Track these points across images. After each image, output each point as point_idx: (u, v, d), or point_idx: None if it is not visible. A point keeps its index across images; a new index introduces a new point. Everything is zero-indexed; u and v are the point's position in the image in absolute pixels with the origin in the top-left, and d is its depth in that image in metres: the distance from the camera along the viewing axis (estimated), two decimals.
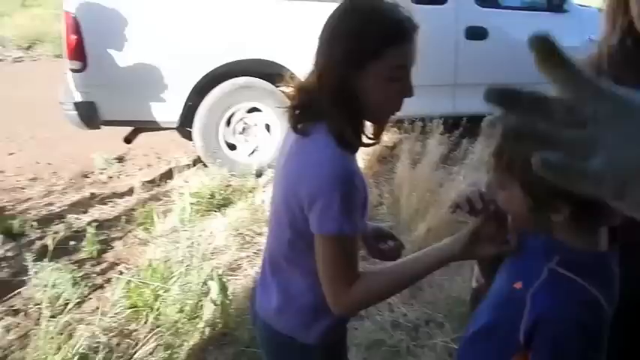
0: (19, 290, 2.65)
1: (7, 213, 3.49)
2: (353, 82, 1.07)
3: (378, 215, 3.46)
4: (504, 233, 1.04)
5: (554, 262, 0.92)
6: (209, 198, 3.51)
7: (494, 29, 4.36)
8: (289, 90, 1.20)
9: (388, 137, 4.31)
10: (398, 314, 2.62)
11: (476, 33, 4.29)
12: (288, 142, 1.22)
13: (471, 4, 4.32)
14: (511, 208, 0.96)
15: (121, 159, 4.60)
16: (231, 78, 3.82)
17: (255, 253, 3.07)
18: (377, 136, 1.20)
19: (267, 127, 4.03)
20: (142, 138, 4.45)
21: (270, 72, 3.58)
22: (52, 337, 2.32)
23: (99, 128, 3.80)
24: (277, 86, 3.87)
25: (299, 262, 1.22)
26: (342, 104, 1.08)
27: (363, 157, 4.08)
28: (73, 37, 3.43)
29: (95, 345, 2.34)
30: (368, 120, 1.16)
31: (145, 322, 2.52)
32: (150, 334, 2.42)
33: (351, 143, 1.11)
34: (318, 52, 1.11)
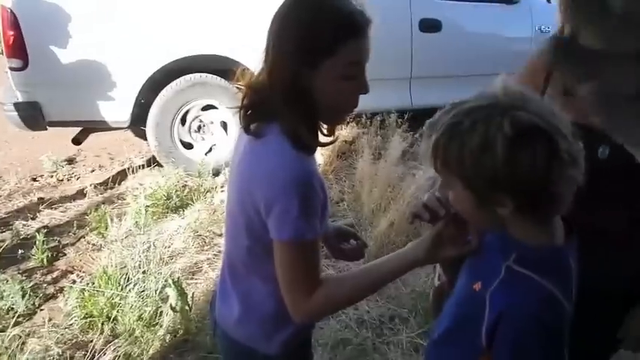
0: None
1: None
2: (305, 79, 1.03)
3: (340, 211, 3.44)
4: (466, 234, 1.04)
5: (511, 260, 0.91)
6: (165, 199, 3.40)
7: (448, 21, 4.38)
8: (241, 87, 1.14)
9: (347, 132, 4.29)
10: (362, 311, 2.61)
11: (430, 25, 4.30)
12: (241, 142, 1.16)
13: None
14: (461, 207, 0.95)
15: (71, 161, 4.43)
16: (184, 74, 3.71)
17: (215, 255, 2.99)
18: (331, 133, 1.16)
19: (224, 124, 3.93)
20: (94, 138, 4.29)
21: (225, 68, 3.50)
22: (4, 354, 2.20)
23: (45, 129, 3.62)
24: (233, 83, 3.79)
25: (257, 268, 1.16)
26: (294, 103, 1.03)
27: (322, 153, 4.05)
28: (11, 32, 3.24)
29: (48, 359, 2.24)
30: (322, 120, 1.12)
31: (102, 332, 2.42)
32: (107, 345, 2.33)
33: (306, 144, 1.06)
34: (268, 47, 1.06)
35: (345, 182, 3.76)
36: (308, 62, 1.01)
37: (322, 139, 1.13)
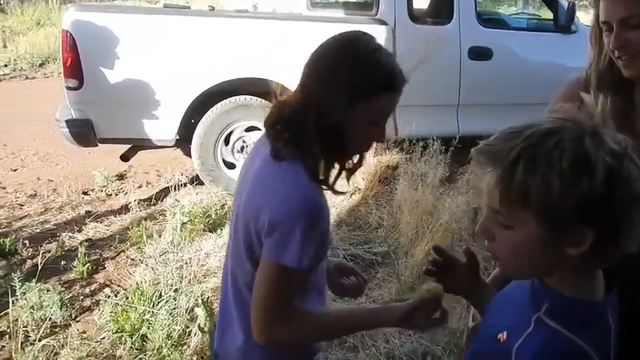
0: (6, 311, 2.59)
1: (1, 231, 3.46)
2: (339, 114, 1.07)
3: (377, 238, 3.38)
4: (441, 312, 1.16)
5: (543, 311, 0.81)
6: (203, 217, 3.45)
7: (500, 49, 4.30)
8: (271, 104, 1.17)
9: (390, 157, 4.23)
10: (394, 346, 2.51)
11: (480, 53, 4.23)
12: (257, 158, 1.17)
13: (475, 24, 4.26)
14: (516, 251, 0.81)
15: (122, 176, 4.58)
16: (229, 97, 3.79)
17: None
18: (348, 179, 1.19)
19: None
20: (146, 155, 4.44)
21: (269, 91, 3.53)
22: None
23: (95, 145, 3.79)
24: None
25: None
26: (322, 132, 1.07)
27: (363, 178, 4.01)
28: (70, 54, 3.43)
29: None
30: (340, 154, 1.15)
31: (131, 348, 2.45)
32: None
33: (321, 177, 1.11)
34: (311, 74, 1.11)
35: (385, 208, 3.69)
36: (348, 99, 1.06)
37: (332, 183, 1.15)
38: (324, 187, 1.12)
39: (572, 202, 0.72)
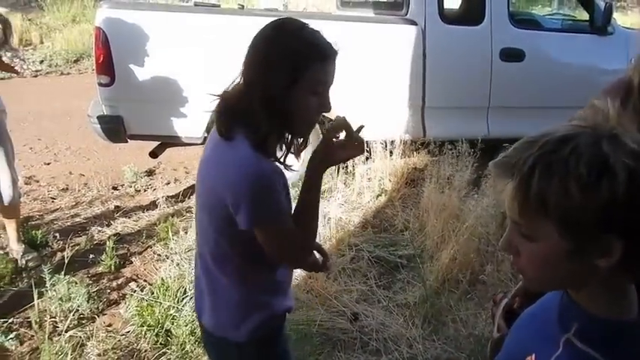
0: (36, 302, 2.65)
1: (33, 223, 3.54)
2: (281, 93, 1.18)
3: (402, 241, 3.35)
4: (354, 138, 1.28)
5: (572, 333, 0.77)
6: None
7: (532, 51, 4.20)
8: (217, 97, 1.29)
9: (417, 159, 4.18)
10: (416, 350, 2.49)
11: (512, 54, 4.15)
12: (211, 142, 1.30)
13: (507, 25, 4.18)
14: (541, 264, 0.77)
15: (150, 172, 4.64)
16: None
17: None
18: (297, 154, 1.33)
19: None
20: (174, 152, 4.49)
21: None
22: (61, 353, 2.31)
23: (125, 142, 3.84)
24: None
25: (222, 260, 1.30)
26: (271, 114, 1.19)
27: (390, 180, 3.98)
28: (102, 51, 3.48)
29: None
30: (291, 132, 1.28)
31: (155, 342, 2.48)
32: (159, 356, 2.38)
33: (270, 148, 1.23)
34: (249, 64, 1.22)
35: (412, 210, 3.65)
36: (284, 77, 1.17)
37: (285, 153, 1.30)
38: (275, 161, 1.24)
39: (593, 209, 0.68)
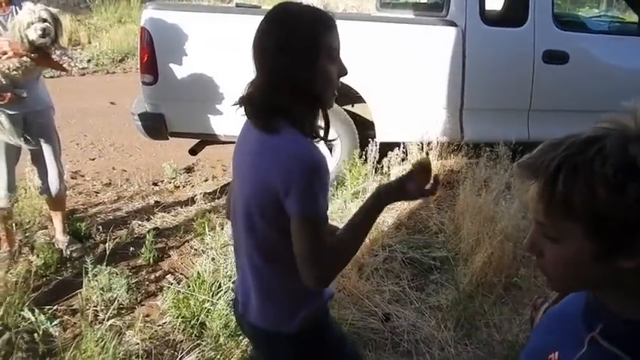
0: (79, 291, 2.76)
1: (78, 215, 3.68)
2: (309, 73, 1.22)
3: (437, 243, 3.32)
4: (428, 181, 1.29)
5: (597, 331, 0.76)
6: None
7: (577, 53, 4.09)
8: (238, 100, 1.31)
9: (454, 162, 4.14)
10: (448, 354, 2.47)
11: (555, 57, 4.05)
12: (249, 138, 1.30)
13: (551, 26, 4.08)
14: (566, 265, 0.77)
15: (189, 169, 4.75)
16: None
17: None
18: (326, 130, 1.33)
19: (330, 146, 3.99)
20: (213, 150, 4.59)
21: None
22: (101, 340, 2.39)
23: (167, 139, 3.95)
24: (341, 106, 3.85)
25: (274, 254, 1.30)
26: (303, 95, 1.23)
27: None
28: (146, 51, 3.59)
29: (140, 352, 2.39)
30: (322, 105, 1.29)
31: (190, 334, 2.55)
32: (193, 347, 2.44)
33: (312, 128, 1.28)
34: (266, 55, 1.24)
35: (447, 213, 3.62)
36: (307, 58, 1.21)
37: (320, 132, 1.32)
38: (317, 139, 1.28)
39: (619, 210, 0.68)
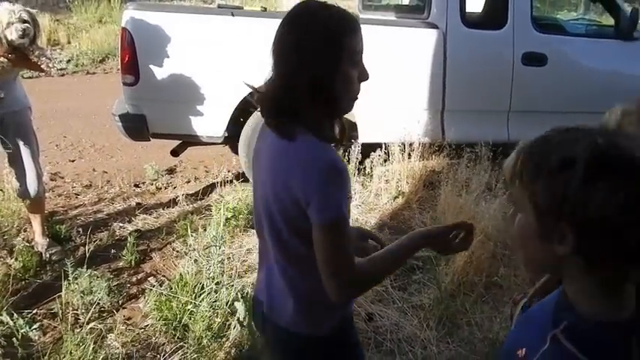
0: (58, 294, 2.72)
1: (57, 218, 3.63)
2: (331, 76, 1.17)
3: None
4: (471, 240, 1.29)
5: (560, 329, 0.77)
6: (247, 214, 3.51)
7: (555, 55, 4.17)
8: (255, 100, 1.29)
9: (436, 162, 4.18)
10: (430, 352, 2.49)
11: (534, 59, 4.12)
12: (266, 142, 1.27)
13: (530, 29, 4.15)
14: (521, 236, 0.81)
15: (171, 171, 4.72)
16: None
17: None
18: (342, 135, 1.30)
19: None
20: (195, 151, 4.56)
21: None
22: (81, 344, 2.37)
23: (148, 140, 3.92)
24: None
25: (301, 260, 1.26)
26: (321, 99, 1.18)
27: (407, 182, 3.99)
28: (127, 51, 3.56)
29: (122, 355, 2.37)
30: (339, 111, 1.27)
31: (173, 337, 2.53)
32: (176, 349, 2.42)
33: (329, 133, 1.24)
34: (286, 56, 1.20)
35: (429, 213, 3.66)
36: (329, 61, 1.17)
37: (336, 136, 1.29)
38: (334, 143, 1.26)
39: (552, 197, 0.74)
